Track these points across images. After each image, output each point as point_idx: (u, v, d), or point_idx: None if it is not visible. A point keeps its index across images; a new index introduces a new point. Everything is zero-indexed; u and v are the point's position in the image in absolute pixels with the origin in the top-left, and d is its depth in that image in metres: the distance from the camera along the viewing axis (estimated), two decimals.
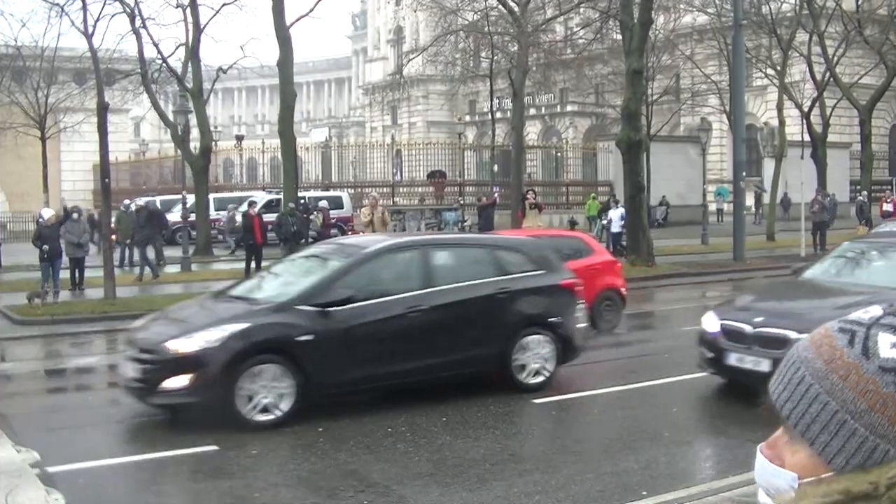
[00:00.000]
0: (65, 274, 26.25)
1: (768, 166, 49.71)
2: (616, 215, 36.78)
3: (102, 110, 30.75)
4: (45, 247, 24.99)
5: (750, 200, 49.74)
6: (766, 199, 49.11)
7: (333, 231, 38.87)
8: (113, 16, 40.04)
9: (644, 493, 8.73)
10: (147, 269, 29.79)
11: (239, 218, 35.43)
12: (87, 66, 44.32)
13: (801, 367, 1.42)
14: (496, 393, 13.07)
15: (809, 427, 1.40)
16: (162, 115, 42.43)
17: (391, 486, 9.22)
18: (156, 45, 41.79)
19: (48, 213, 28.09)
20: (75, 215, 28.01)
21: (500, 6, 44.30)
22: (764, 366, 11.31)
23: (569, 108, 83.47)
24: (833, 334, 1.41)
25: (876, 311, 1.41)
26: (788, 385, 1.42)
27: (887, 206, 45.55)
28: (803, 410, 1.40)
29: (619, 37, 36.36)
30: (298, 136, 41.52)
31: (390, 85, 76.30)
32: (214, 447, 10.64)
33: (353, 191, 52.30)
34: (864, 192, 46.10)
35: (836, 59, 46.85)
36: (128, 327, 13.89)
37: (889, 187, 62.17)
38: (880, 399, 1.34)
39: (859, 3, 49.09)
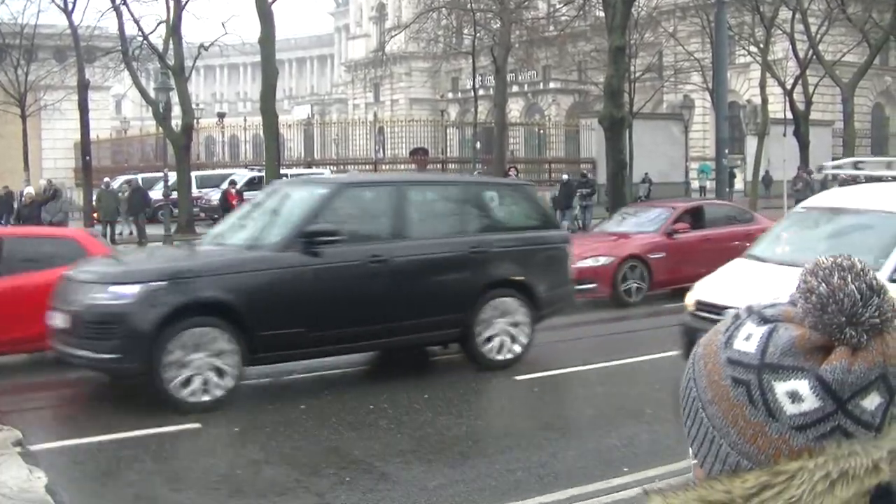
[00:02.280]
0: None
1: (751, 144, 49.82)
2: None
3: (83, 88, 30.78)
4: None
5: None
6: (748, 176, 49.22)
7: None
8: None
9: (626, 469, 8.76)
10: None
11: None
12: (68, 44, 44.08)
13: (697, 348, 1.41)
14: (479, 370, 13.09)
15: (683, 410, 1.41)
16: (143, 93, 42.15)
17: (373, 463, 9.23)
18: (136, 21, 41.48)
19: (28, 192, 27.88)
20: (50, 193, 27.87)
21: None
22: None
23: (551, 85, 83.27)
24: (726, 319, 1.39)
25: (781, 298, 1.38)
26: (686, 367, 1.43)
27: None
28: (681, 393, 1.42)
29: (602, 14, 36.29)
30: (281, 113, 41.34)
31: (373, 62, 76.31)
32: (197, 425, 10.63)
33: (335, 168, 52.16)
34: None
35: (819, 36, 46.84)
36: None
37: None
38: (720, 391, 1.33)
39: None
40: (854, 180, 27.08)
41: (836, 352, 1.28)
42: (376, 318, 12.13)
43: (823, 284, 1.30)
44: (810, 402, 1.26)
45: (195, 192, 42.19)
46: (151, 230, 33.97)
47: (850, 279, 1.30)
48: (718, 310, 9.51)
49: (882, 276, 9.46)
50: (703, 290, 11.60)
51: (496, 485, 8.43)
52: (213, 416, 10.99)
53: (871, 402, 1.27)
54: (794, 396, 1.27)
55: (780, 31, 47.37)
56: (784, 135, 37.41)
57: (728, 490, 1.28)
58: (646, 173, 52.46)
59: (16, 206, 32.63)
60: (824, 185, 30.19)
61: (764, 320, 1.33)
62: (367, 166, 53.86)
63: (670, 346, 13.53)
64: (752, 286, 9.93)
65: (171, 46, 39.85)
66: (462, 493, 8.32)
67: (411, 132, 60.56)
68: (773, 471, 1.26)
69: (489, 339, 12.95)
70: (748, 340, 1.32)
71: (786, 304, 1.35)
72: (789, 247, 11.85)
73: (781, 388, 1.28)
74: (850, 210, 11.70)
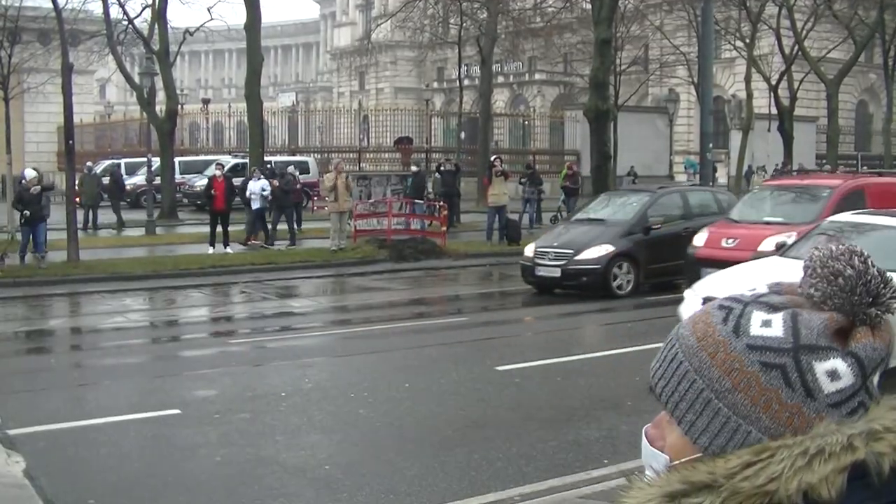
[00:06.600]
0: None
1: (735, 138, 49.92)
2: (257, 187, 28.81)
3: (67, 71, 30.45)
4: (26, 211, 23.91)
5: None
6: (731, 170, 49.34)
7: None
8: None
9: (605, 460, 8.77)
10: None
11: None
12: (52, 27, 43.66)
13: (676, 345, 1.41)
14: (459, 360, 13.10)
15: (678, 405, 1.39)
16: (128, 77, 42.02)
17: (353, 451, 9.22)
18: (122, 5, 41.35)
19: (31, 175, 26.95)
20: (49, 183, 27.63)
21: None
22: None
23: (537, 76, 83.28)
24: (711, 311, 1.40)
25: (761, 289, 1.41)
26: (663, 363, 1.42)
27: None
28: (673, 388, 1.40)
29: (589, 6, 36.26)
30: (265, 100, 41.27)
31: (358, 50, 76.15)
32: (177, 411, 10.61)
33: (319, 156, 52.06)
34: (829, 167, 46.34)
35: (804, 32, 46.97)
36: None
37: (855, 163, 62.42)
38: (744, 378, 1.32)
39: None
40: None
41: (859, 331, 1.32)
42: None
43: (849, 268, 1.34)
44: (847, 378, 1.31)
45: (178, 177, 42.08)
46: (134, 216, 33.83)
47: (869, 262, 1.35)
48: None
49: None
50: None
51: (476, 475, 8.43)
52: (193, 403, 10.97)
53: (877, 377, 1.34)
54: (833, 375, 1.31)
55: (766, 27, 47.49)
56: (768, 130, 37.56)
57: (711, 471, 1.30)
58: (631, 166, 52.62)
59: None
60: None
61: (774, 308, 1.36)
62: (352, 154, 53.78)
63: (650, 339, 13.58)
64: None
65: (156, 31, 39.72)
66: (441, 483, 8.32)
67: (396, 121, 60.49)
68: (756, 449, 1.29)
69: None
70: (769, 327, 1.34)
71: (787, 292, 1.39)
72: None
73: (821, 367, 1.31)
74: None
